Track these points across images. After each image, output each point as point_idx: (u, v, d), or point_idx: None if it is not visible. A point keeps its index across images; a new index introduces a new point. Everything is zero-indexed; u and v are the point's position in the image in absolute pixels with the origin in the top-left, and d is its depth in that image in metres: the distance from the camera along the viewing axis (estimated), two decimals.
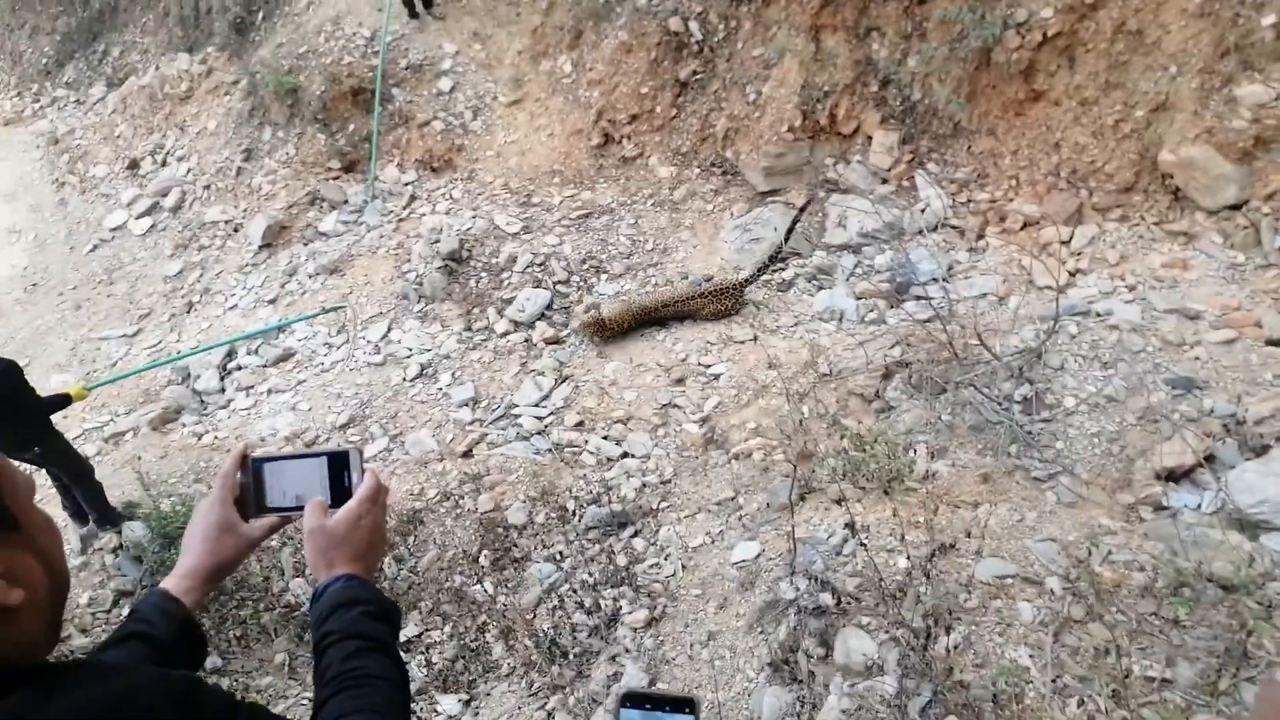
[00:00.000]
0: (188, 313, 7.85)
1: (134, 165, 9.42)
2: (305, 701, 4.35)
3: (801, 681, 3.21)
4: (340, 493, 1.41)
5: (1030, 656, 3.05)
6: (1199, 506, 4.08)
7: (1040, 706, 2.82)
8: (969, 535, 3.55)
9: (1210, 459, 4.25)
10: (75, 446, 5.33)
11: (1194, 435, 4.30)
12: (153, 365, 6.99)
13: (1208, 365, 4.78)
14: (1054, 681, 2.85)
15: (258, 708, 1.07)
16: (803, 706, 3.16)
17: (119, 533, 5.16)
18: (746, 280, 6.23)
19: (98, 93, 10.78)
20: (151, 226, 8.85)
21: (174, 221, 8.78)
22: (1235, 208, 5.70)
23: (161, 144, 9.47)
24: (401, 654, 1.34)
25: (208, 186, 8.83)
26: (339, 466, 1.42)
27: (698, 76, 7.64)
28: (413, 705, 4.11)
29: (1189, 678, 2.86)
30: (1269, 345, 4.87)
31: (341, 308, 7.00)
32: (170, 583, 1.33)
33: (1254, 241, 5.56)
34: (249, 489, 1.43)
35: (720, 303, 6.11)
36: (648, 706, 1.09)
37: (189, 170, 9.06)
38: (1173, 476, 4.27)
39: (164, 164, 9.29)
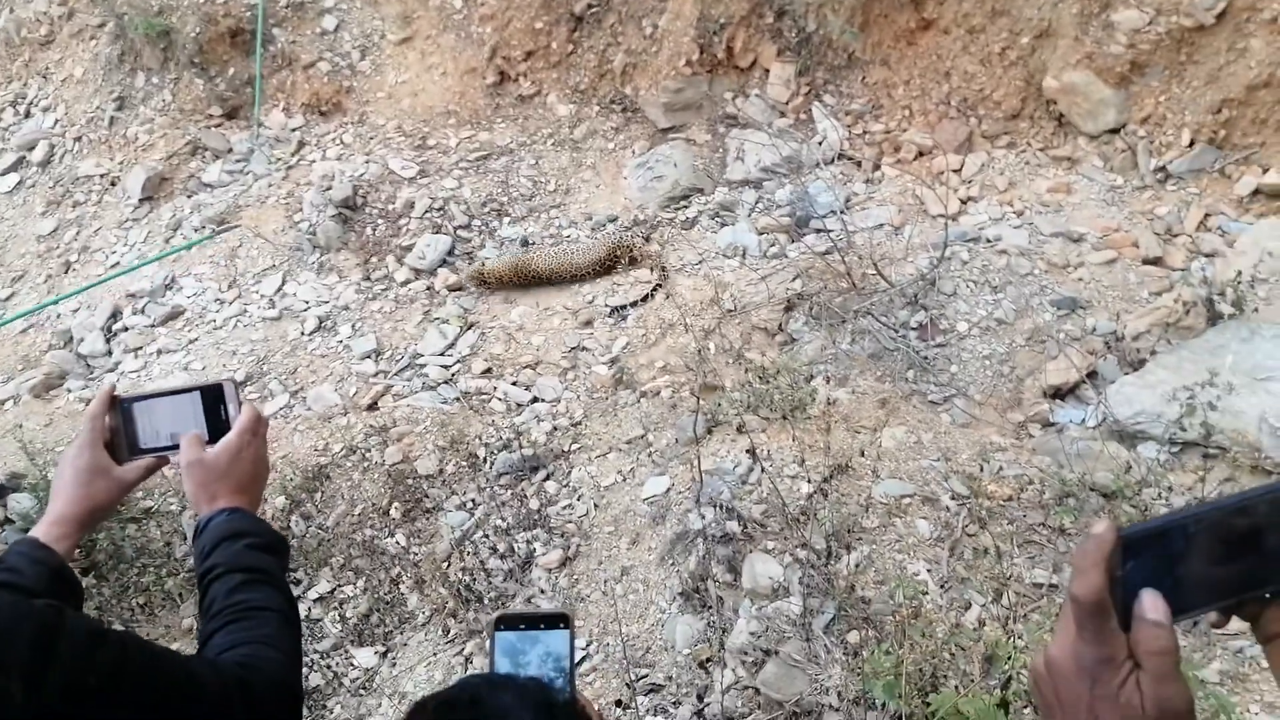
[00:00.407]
0: (66, 273, 7.42)
1: None
2: None
3: (711, 608, 3.30)
4: (217, 427, 1.37)
5: (928, 570, 3.20)
6: (1083, 421, 4.30)
7: (936, 617, 2.96)
8: (863, 455, 3.67)
9: (1093, 375, 4.47)
10: None
11: (1078, 353, 4.51)
12: (28, 311, 6.63)
13: (1090, 285, 5.00)
14: (947, 591, 3.00)
15: (131, 635, 1.03)
16: (713, 631, 3.25)
17: (3, 505, 4.93)
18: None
19: None
20: (19, 183, 8.28)
21: (44, 177, 8.23)
22: (1114, 131, 5.91)
23: (23, 94, 8.82)
24: (292, 590, 1.32)
25: (78, 138, 8.29)
26: (214, 400, 1.38)
27: (593, 10, 7.48)
28: (327, 660, 4.09)
29: None
30: (1145, 264, 5.12)
31: (236, 226, 6.72)
32: (40, 531, 1.27)
33: (1131, 164, 5.79)
34: (119, 431, 1.37)
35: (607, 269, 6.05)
36: (522, 627, 1.09)
37: (56, 121, 8.48)
38: (1059, 394, 4.48)
39: (27, 115, 8.67)
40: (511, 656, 1.07)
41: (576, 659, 1.09)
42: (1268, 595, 0.83)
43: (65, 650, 0.92)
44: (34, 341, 6.75)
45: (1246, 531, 0.81)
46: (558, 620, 1.09)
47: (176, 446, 1.37)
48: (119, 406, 1.39)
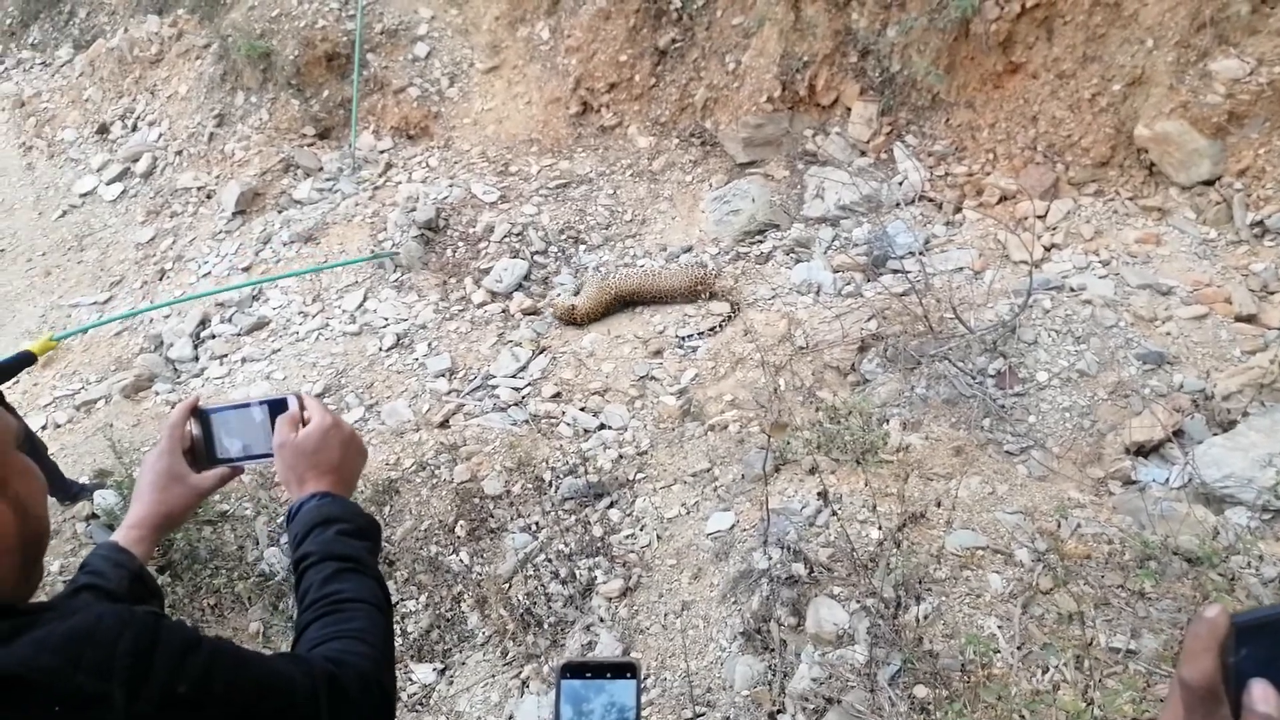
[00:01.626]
0: (160, 280, 7.75)
1: (103, 130, 9.23)
2: None
3: (773, 650, 3.25)
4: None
5: (999, 627, 3.11)
6: (1166, 481, 4.15)
7: (1007, 675, 2.87)
8: (939, 506, 3.59)
9: (1179, 434, 4.31)
10: (46, 413, 5.26)
11: (1163, 410, 4.36)
12: (125, 315, 6.92)
13: (1178, 341, 4.84)
14: (1020, 650, 2.91)
15: (222, 641, 1.06)
16: (774, 675, 3.20)
17: (90, 500, 5.12)
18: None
19: (64, 55, 10.52)
20: (122, 192, 8.70)
21: (145, 187, 8.63)
22: (1208, 183, 5.74)
23: (131, 108, 9.28)
24: (383, 576, 1.33)
25: (179, 152, 8.68)
26: (282, 412, 1.39)
27: (677, 45, 7.57)
28: None
29: (1153, 648, 2.92)
30: (1238, 321, 4.94)
31: (393, 254, 6.93)
32: (120, 535, 1.31)
33: (1226, 218, 5.61)
34: (199, 440, 1.40)
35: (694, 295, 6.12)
36: (588, 675, 1.09)
37: (160, 135, 8.90)
38: (1142, 451, 4.34)
39: (134, 129, 9.12)
40: (576, 705, 1.07)
41: (642, 709, 1.08)
42: None
43: (161, 658, 0.95)
44: (127, 344, 7.03)
45: None
46: (624, 670, 1.09)
47: (251, 457, 1.39)
48: (199, 415, 1.42)
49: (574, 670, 1.10)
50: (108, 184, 8.74)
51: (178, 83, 9.03)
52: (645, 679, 3.62)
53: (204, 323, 6.93)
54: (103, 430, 5.60)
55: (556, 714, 1.08)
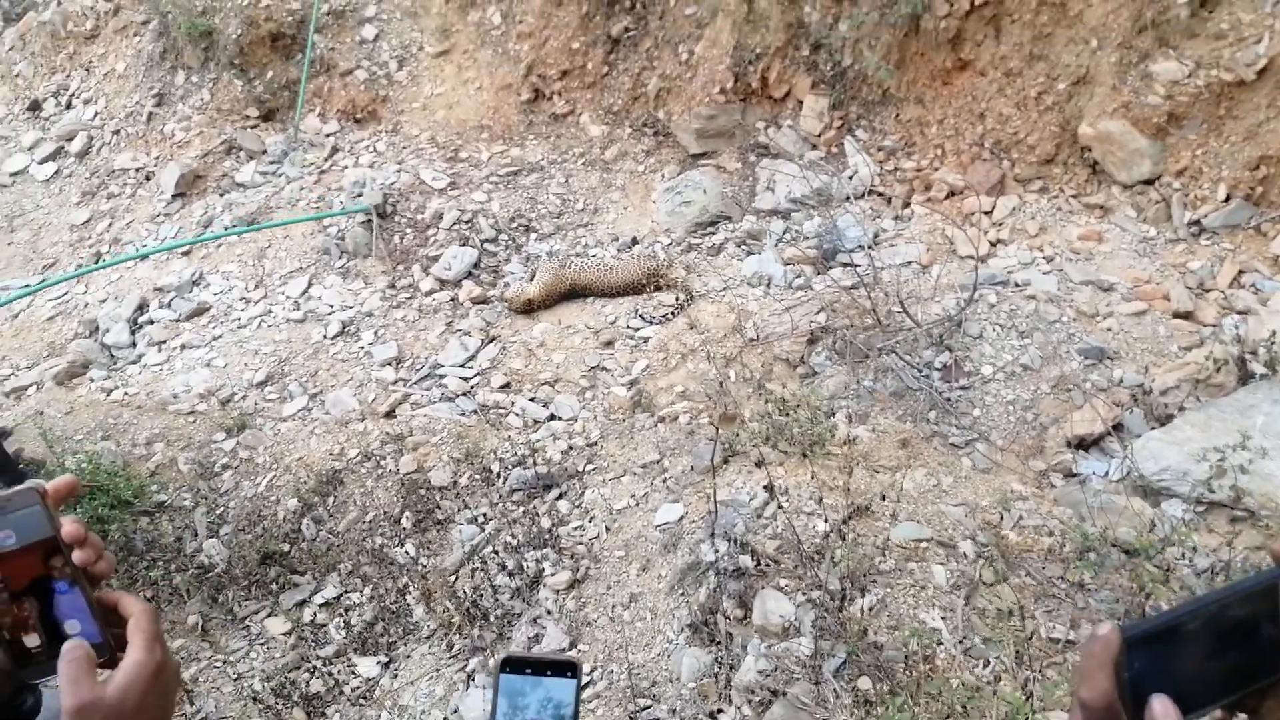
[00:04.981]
0: (96, 262, 7.49)
1: (35, 106, 8.89)
2: (219, 664, 4.26)
3: (720, 643, 3.25)
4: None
5: (942, 619, 3.15)
6: (1106, 474, 4.23)
7: (949, 667, 2.91)
8: (884, 498, 3.62)
9: (1118, 427, 4.40)
10: None
11: (1104, 404, 4.45)
12: (46, 285, 6.68)
13: (1118, 336, 4.94)
14: (961, 642, 2.94)
15: None
16: (720, 667, 3.20)
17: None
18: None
19: None
20: (56, 172, 8.40)
21: (80, 168, 8.34)
22: (1149, 182, 5.87)
23: (65, 85, 8.95)
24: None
25: (116, 132, 8.40)
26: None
27: (630, 33, 7.52)
28: (329, 667, 4.07)
29: None
30: (1176, 318, 5.06)
31: (365, 209, 6.75)
32: None
33: (1165, 216, 5.74)
34: None
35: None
36: (528, 671, 1.06)
37: (96, 114, 8.60)
38: (1083, 444, 4.42)
39: (68, 106, 8.80)
40: (512, 699, 1.05)
41: (580, 709, 1.06)
42: (1265, 686, 0.82)
43: None
44: (60, 329, 6.80)
45: (1243, 624, 0.81)
46: (565, 668, 1.07)
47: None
48: None
49: (514, 665, 1.07)
50: (40, 163, 8.43)
51: (115, 60, 8.73)
52: (592, 672, 3.60)
53: (142, 308, 6.72)
54: (34, 419, 5.41)
55: (493, 708, 1.05)
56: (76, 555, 0.96)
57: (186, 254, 7.14)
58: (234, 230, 6.97)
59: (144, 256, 6.90)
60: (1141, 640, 0.79)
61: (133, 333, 6.56)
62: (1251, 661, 0.81)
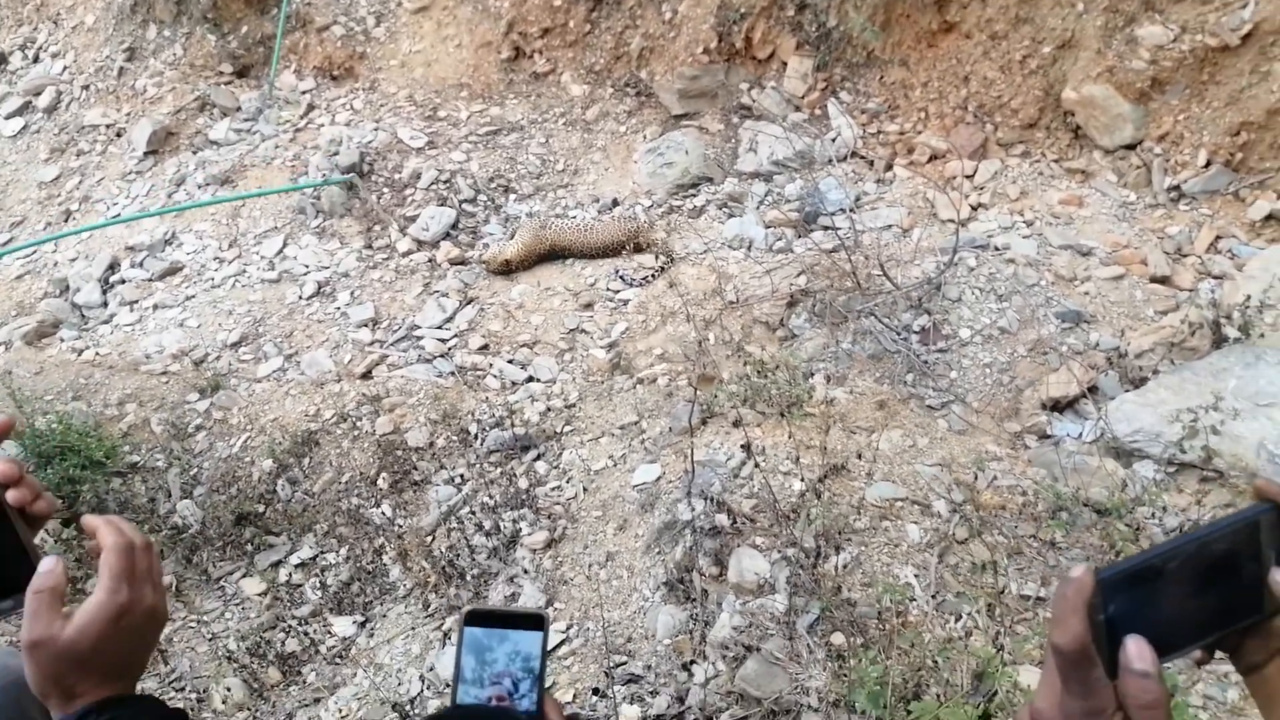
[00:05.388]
0: (65, 221, 7.36)
1: (1, 60, 8.67)
2: (193, 624, 4.25)
3: (695, 600, 3.27)
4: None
5: (915, 576, 3.17)
6: (1080, 435, 4.27)
7: (922, 622, 2.93)
8: (860, 458, 3.63)
9: (1093, 390, 4.43)
10: None
11: (1079, 367, 4.48)
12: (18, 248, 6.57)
13: (1096, 300, 4.96)
14: (935, 598, 2.97)
15: None
16: (696, 623, 3.22)
17: None
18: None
19: None
20: (23, 128, 8.20)
21: (49, 123, 8.16)
22: (1130, 147, 5.86)
23: (33, 38, 8.73)
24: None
25: (86, 87, 8.21)
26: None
27: None
28: (305, 626, 4.06)
29: None
30: (1153, 282, 5.08)
31: (346, 179, 6.63)
32: None
33: (1145, 181, 5.74)
34: None
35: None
36: (493, 624, 1.04)
37: (65, 68, 8.39)
38: (1058, 406, 4.45)
39: (36, 60, 8.58)
40: (478, 654, 1.03)
41: (548, 661, 1.04)
42: (1246, 626, 0.81)
43: None
44: (30, 288, 6.69)
45: (1223, 562, 0.79)
46: (531, 621, 1.05)
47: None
48: None
49: (478, 619, 1.05)
50: (6, 119, 8.23)
51: (84, 12, 8.51)
52: (568, 629, 3.60)
53: (113, 267, 6.61)
54: (2, 379, 5.32)
55: (458, 662, 1.03)
56: (10, 494, 0.95)
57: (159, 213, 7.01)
58: (213, 200, 6.84)
59: (123, 222, 6.76)
60: (1118, 582, 0.77)
61: (104, 292, 6.46)
62: (1232, 601, 0.80)
